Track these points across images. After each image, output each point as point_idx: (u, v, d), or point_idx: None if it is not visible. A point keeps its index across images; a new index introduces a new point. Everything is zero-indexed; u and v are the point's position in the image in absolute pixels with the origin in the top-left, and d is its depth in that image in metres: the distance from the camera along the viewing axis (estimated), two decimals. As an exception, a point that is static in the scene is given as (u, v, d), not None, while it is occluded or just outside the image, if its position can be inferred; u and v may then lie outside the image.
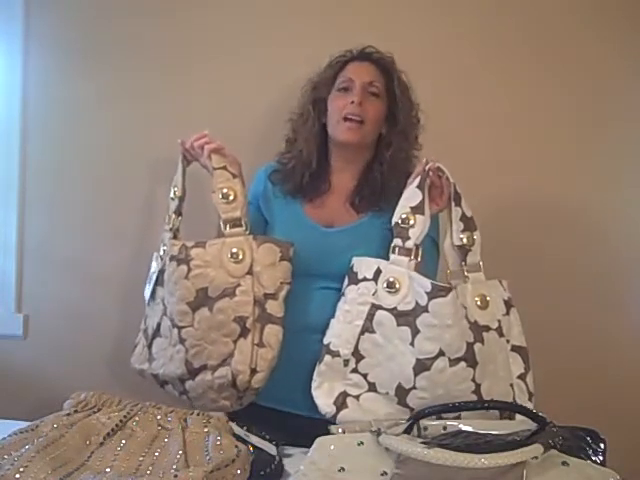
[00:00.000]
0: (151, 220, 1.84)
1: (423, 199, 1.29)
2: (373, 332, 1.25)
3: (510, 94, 1.84)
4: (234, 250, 1.30)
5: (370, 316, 1.26)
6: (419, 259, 1.27)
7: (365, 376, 1.25)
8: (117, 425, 1.07)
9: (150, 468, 0.99)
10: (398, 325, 1.24)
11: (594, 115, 1.84)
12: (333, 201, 1.49)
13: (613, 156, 1.85)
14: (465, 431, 1.06)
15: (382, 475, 0.95)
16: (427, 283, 1.23)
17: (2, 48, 1.90)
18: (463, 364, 1.20)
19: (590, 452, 1.00)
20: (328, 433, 1.12)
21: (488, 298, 1.28)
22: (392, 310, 1.24)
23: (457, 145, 1.75)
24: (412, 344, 1.21)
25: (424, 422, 1.09)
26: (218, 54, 1.86)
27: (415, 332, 1.22)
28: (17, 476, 0.91)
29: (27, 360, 1.90)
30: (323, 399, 1.26)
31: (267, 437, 1.13)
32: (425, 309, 1.22)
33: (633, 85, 1.83)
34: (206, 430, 1.06)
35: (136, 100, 1.88)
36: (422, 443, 0.92)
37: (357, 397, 1.25)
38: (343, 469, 0.97)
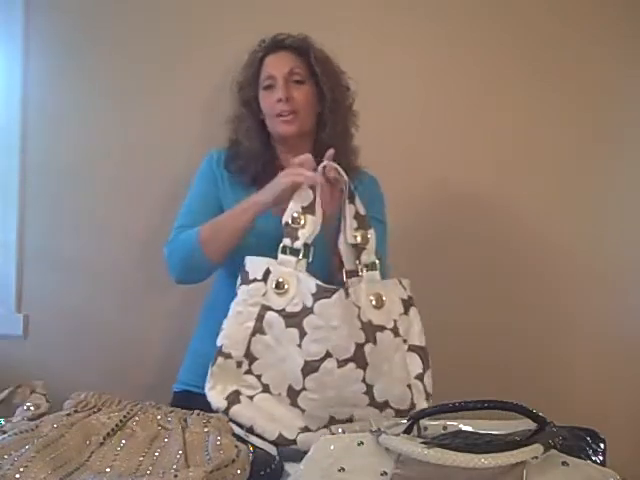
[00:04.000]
0: (151, 219, 1.84)
1: (314, 199, 1.27)
2: (264, 334, 1.24)
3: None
4: None
5: (260, 317, 1.24)
6: (310, 259, 1.26)
7: (259, 377, 1.24)
8: (117, 425, 1.06)
9: (150, 468, 0.99)
10: (287, 327, 1.22)
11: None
12: None
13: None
14: (465, 431, 1.06)
15: (382, 475, 0.94)
16: (312, 284, 1.23)
17: (2, 48, 1.90)
18: (352, 365, 1.19)
19: (590, 452, 1.00)
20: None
21: (384, 297, 1.26)
22: (281, 312, 1.23)
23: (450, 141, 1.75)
24: (300, 346, 1.20)
25: (424, 422, 1.08)
26: (218, 53, 1.86)
27: (302, 334, 1.21)
28: (17, 476, 0.91)
29: (27, 360, 1.90)
30: (216, 398, 1.24)
31: (267, 437, 1.13)
32: (311, 310, 1.21)
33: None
34: (206, 430, 1.06)
35: (136, 100, 1.88)
36: (422, 443, 0.92)
37: (251, 397, 1.23)
38: (343, 469, 0.97)
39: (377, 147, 1.84)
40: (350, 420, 1.20)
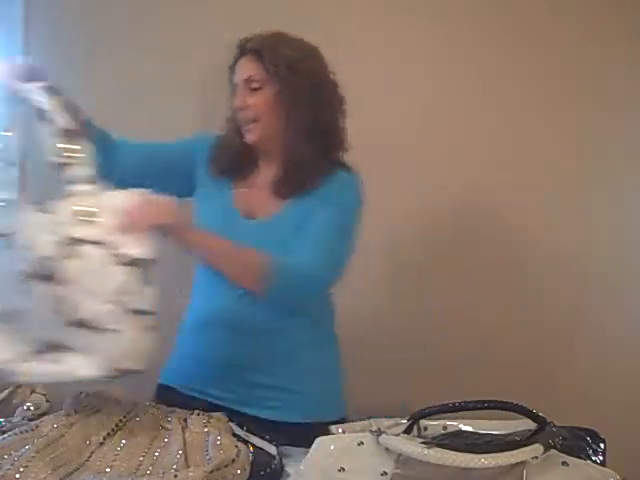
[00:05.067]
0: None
1: None
2: None
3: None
4: None
5: None
6: None
7: None
8: (117, 425, 1.07)
9: (150, 468, 0.99)
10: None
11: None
12: (258, 185, 1.46)
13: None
14: (465, 431, 1.06)
15: (382, 475, 0.94)
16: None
17: (2, 48, 1.90)
18: (47, 283, 1.10)
19: (590, 452, 0.99)
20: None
21: (93, 210, 1.15)
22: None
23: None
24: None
25: (424, 422, 1.08)
26: (219, 52, 1.86)
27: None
28: (17, 476, 0.91)
29: (27, 360, 1.90)
30: None
31: (267, 437, 1.13)
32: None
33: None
34: (206, 430, 1.07)
35: (136, 99, 1.88)
36: (422, 443, 0.92)
37: None
38: (343, 469, 0.97)
39: (376, 148, 1.84)
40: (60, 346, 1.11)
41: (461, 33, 1.85)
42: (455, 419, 1.09)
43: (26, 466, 0.93)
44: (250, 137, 1.42)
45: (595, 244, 1.85)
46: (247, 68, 1.41)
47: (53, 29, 1.90)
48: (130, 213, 1.11)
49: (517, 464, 0.87)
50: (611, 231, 1.85)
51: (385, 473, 0.94)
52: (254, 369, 1.38)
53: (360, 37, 1.88)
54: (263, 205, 1.43)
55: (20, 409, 1.26)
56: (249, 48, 1.42)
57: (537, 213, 1.86)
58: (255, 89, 1.40)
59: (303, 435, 1.09)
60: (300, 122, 1.40)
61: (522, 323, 1.85)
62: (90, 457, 1.01)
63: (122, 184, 1.24)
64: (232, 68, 1.45)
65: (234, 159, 1.46)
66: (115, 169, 1.33)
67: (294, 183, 1.40)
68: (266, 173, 1.46)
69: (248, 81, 1.40)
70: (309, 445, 1.04)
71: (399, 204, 1.85)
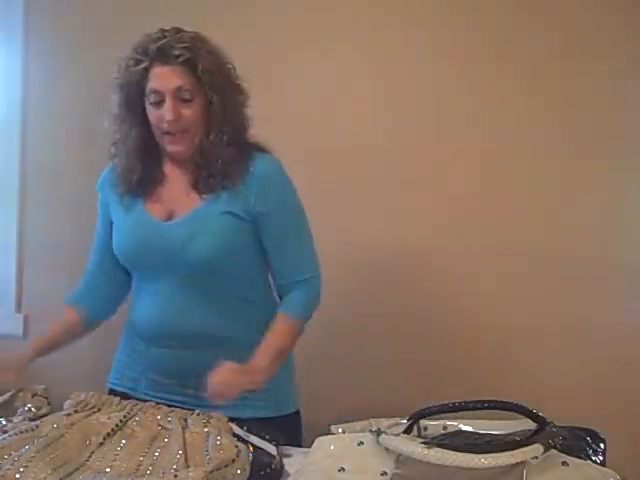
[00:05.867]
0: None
1: None
2: None
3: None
4: None
5: None
6: None
7: None
8: (117, 425, 1.07)
9: (150, 468, 0.99)
10: None
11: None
12: (171, 189, 1.42)
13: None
14: (465, 431, 1.06)
15: (382, 475, 0.95)
16: None
17: (2, 48, 1.90)
18: None
19: (590, 452, 1.00)
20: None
21: None
22: None
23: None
24: None
25: (424, 422, 1.08)
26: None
27: None
28: (17, 476, 0.91)
29: (27, 360, 1.90)
30: None
31: (267, 437, 1.13)
32: None
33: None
34: (206, 430, 1.07)
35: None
36: (422, 443, 0.92)
37: None
38: (343, 469, 0.97)
39: (373, 148, 1.84)
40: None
41: (452, 39, 1.84)
42: (455, 419, 1.10)
43: (26, 466, 0.93)
44: (176, 148, 1.36)
45: (595, 245, 1.84)
46: (176, 77, 1.32)
47: (53, 29, 1.90)
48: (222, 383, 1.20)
49: (517, 464, 0.87)
50: (612, 231, 1.85)
51: (385, 473, 0.94)
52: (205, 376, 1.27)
53: (357, 40, 1.88)
54: (179, 204, 1.39)
55: (21, 410, 1.26)
56: (175, 57, 1.31)
57: (537, 213, 1.85)
58: (186, 100, 1.33)
59: (262, 429, 1.15)
60: (224, 127, 1.36)
61: (522, 323, 1.85)
62: (90, 457, 1.01)
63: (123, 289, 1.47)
64: (142, 70, 1.33)
65: (139, 179, 1.40)
66: (115, 298, 1.51)
67: (215, 182, 1.36)
68: (178, 172, 1.42)
69: (178, 91, 1.31)
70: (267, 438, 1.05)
71: (401, 204, 1.85)
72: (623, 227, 1.79)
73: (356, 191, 1.83)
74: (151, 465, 1.00)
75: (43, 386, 1.35)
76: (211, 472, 0.94)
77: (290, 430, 1.33)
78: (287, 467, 1.10)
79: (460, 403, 1.10)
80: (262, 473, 1.04)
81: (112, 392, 1.39)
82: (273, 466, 1.07)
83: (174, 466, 0.98)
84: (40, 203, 1.91)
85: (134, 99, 1.37)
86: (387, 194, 1.84)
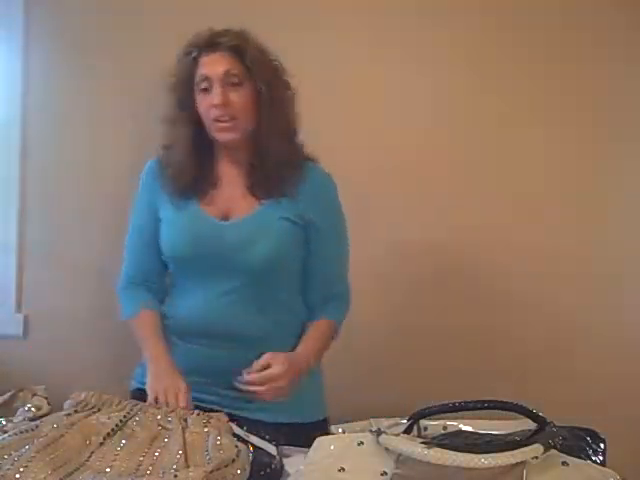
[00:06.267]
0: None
1: None
2: None
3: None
4: None
5: None
6: None
7: None
8: (117, 425, 1.07)
9: (150, 468, 0.99)
10: None
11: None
12: (225, 191, 1.42)
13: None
14: (465, 431, 1.06)
15: (382, 475, 0.94)
16: None
17: (2, 48, 1.90)
18: None
19: (590, 452, 1.00)
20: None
21: None
22: None
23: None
24: None
25: (424, 422, 1.08)
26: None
27: None
28: (17, 476, 0.91)
29: (27, 360, 1.90)
30: None
31: (267, 437, 1.13)
32: None
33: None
34: (206, 430, 1.07)
35: (137, 99, 1.88)
36: (422, 443, 0.92)
37: None
38: (343, 469, 0.97)
39: (375, 149, 1.84)
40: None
41: (462, 37, 1.84)
42: (455, 419, 1.09)
43: (26, 466, 0.93)
44: (226, 135, 1.36)
45: (596, 245, 1.85)
46: (224, 63, 1.34)
47: (53, 29, 1.90)
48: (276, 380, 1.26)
49: (517, 464, 0.87)
50: (612, 232, 1.85)
51: (385, 473, 0.94)
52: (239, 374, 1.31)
53: (359, 40, 1.88)
54: (236, 205, 1.40)
55: (21, 410, 1.26)
56: (223, 44, 1.35)
57: (537, 214, 1.86)
58: (235, 84, 1.34)
59: (289, 435, 1.18)
60: (274, 120, 1.37)
61: (522, 324, 1.85)
62: (90, 457, 1.01)
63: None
64: (191, 61, 1.37)
65: (193, 180, 1.40)
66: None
67: (272, 185, 1.38)
68: (233, 174, 1.43)
69: (226, 75, 1.33)
70: (295, 444, 1.05)
71: (402, 205, 1.85)
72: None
73: (370, 190, 1.83)
74: (151, 465, 1.00)
75: (43, 386, 1.35)
76: (211, 472, 0.94)
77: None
78: (287, 467, 1.10)
79: (460, 403, 1.09)
80: (262, 473, 1.04)
81: (139, 392, 1.37)
82: (273, 466, 1.07)
83: (174, 466, 0.98)
84: (40, 203, 1.91)
85: (186, 99, 1.39)
86: (402, 193, 1.86)
